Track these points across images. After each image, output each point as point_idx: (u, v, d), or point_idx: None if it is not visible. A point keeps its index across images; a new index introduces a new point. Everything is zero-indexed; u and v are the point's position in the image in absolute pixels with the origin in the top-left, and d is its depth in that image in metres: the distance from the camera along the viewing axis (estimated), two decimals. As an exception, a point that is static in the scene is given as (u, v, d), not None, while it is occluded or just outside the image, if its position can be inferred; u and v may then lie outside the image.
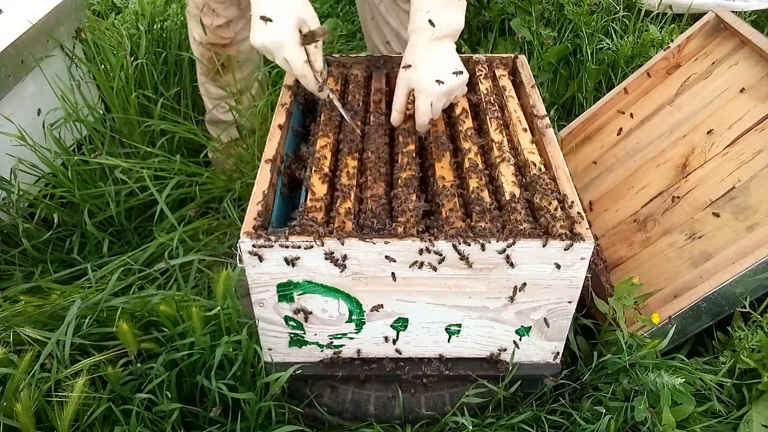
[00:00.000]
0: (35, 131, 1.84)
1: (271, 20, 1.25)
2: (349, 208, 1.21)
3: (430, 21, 1.30)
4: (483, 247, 1.12)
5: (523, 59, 1.64)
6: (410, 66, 1.34)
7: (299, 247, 1.12)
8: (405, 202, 1.21)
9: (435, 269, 1.15)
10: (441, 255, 1.13)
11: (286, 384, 1.29)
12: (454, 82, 1.34)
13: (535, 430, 1.34)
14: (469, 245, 1.11)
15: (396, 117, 1.42)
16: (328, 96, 1.30)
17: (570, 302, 1.22)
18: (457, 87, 1.36)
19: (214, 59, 1.89)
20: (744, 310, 1.39)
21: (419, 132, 1.42)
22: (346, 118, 1.25)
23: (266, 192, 1.23)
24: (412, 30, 1.33)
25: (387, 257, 1.13)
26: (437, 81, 1.32)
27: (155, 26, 2.24)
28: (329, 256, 1.13)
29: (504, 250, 1.12)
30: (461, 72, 1.35)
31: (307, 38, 1.28)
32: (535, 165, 1.29)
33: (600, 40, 2.36)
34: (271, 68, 2.37)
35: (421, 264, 1.14)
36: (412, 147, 1.38)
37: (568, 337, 1.32)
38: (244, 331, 1.31)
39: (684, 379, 1.30)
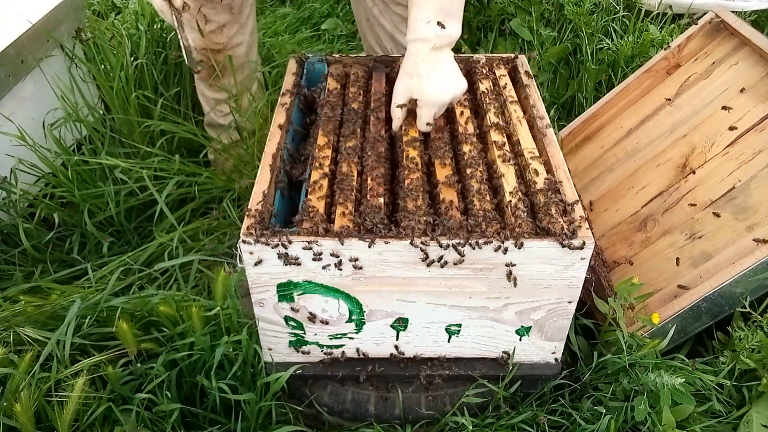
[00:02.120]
0: (35, 131, 1.84)
1: None
2: (349, 208, 1.21)
3: (431, 31, 1.30)
4: (481, 247, 1.12)
5: (523, 59, 1.64)
6: (412, 76, 1.34)
7: (302, 247, 1.12)
8: (413, 202, 1.21)
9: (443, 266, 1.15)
10: (441, 256, 1.13)
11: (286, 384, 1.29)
12: (457, 92, 1.37)
13: (535, 430, 1.34)
14: (468, 245, 1.11)
15: (397, 125, 1.43)
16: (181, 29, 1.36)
17: (570, 302, 1.22)
18: (459, 96, 1.39)
19: (209, 65, 1.89)
20: (744, 310, 1.39)
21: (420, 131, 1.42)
22: (185, 57, 1.33)
23: (266, 192, 1.23)
24: (412, 39, 1.33)
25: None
26: (441, 93, 1.34)
27: (155, 26, 2.24)
28: (317, 257, 1.13)
29: (503, 249, 1.12)
30: (461, 81, 1.37)
31: None
32: (535, 165, 1.29)
33: (600, 40, 2.36)
34: (271, 69, 2.38)
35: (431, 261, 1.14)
36: (415, 150, 1.38)
37: (568, 337, 1.33)
38: (244, 331, 1.31)
39: (684, 379, 1.30)
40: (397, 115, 1.41)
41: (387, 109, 1.48)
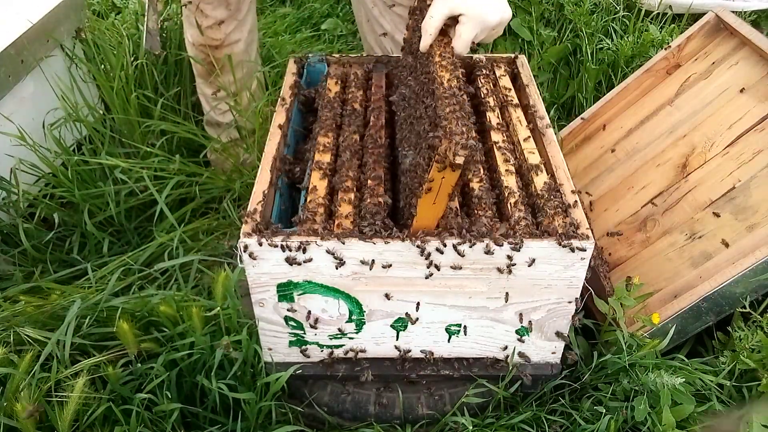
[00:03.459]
0: (35, 131, 1.84)
1: None
2: (349, 207, 1.21)
3: None
4: (488, 249, 1.12)
5: (523, 59, 1.64)
6: None
7: (299, 248, 1.12)
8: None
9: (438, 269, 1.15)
10: (441, 254, 1.13)
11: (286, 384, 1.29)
12: (505, 15, 1.21)
13: (535, 430, 1.34)
14: (469, 246, 1.11)
15: (427, 41, 1.23)
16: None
17: (570, 302, 1.22)
18: (505, 22, 1.22)
19: (208, 61, 1.89)
20: (744, 310, 1.39)
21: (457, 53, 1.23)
22: (143, 39, 1.30)
23: (266, 192, 1.23)
24: None
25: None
26: (490, 11, 1.17)
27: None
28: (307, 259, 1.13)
29: (510, 252, 1.12)
30: (508, 7, 1.21)
31: None
32: (535, 165, 1.29)
33: (600, 40, 2.37)
34: (271, 69, 2.38)
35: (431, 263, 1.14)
36: (449, 74, 1.25)
37: (568, 337, 1.32)
38: (244, 331, 1.31)
39: (684, 379, 1.30)
40: (429, 31, 1.21)
41: (388, 108, 1.48)
